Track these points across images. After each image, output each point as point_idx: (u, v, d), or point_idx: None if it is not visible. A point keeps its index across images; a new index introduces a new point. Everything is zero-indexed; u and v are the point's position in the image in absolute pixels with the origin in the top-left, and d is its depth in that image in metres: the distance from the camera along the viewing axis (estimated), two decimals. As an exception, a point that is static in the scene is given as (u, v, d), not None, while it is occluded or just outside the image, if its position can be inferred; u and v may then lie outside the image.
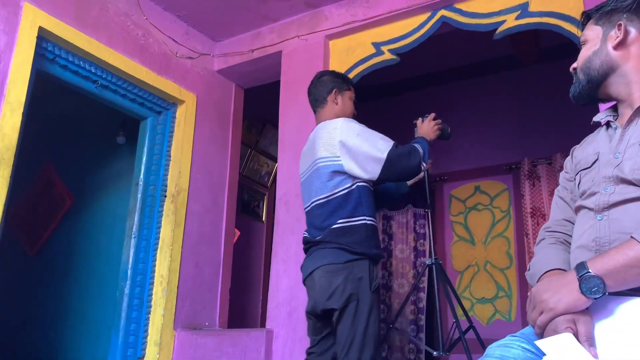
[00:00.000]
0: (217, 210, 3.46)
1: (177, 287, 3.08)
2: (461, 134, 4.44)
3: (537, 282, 1.21)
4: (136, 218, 3.08)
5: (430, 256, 2.79)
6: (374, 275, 2.11)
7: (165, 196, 3.16)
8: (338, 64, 3.31)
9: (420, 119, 2.58)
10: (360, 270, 2.07)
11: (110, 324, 2.94)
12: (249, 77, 3.76)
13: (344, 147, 2.16)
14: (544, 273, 1.22)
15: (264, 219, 4.56)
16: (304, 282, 2.25)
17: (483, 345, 2.55)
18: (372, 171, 2.14)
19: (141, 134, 3.27)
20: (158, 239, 3.08)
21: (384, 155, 2.13)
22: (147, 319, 2.96)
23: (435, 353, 2.65)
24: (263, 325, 3.17)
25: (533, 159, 4.05)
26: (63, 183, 4.04)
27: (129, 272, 2.99)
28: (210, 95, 3.57)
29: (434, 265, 2.68)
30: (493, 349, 1.13)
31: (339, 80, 2.48)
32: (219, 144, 3.58)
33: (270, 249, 3.21)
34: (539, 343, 1.05)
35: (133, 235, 3.05)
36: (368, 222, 2.16)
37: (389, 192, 2.62)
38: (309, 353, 2.27)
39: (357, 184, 2.18)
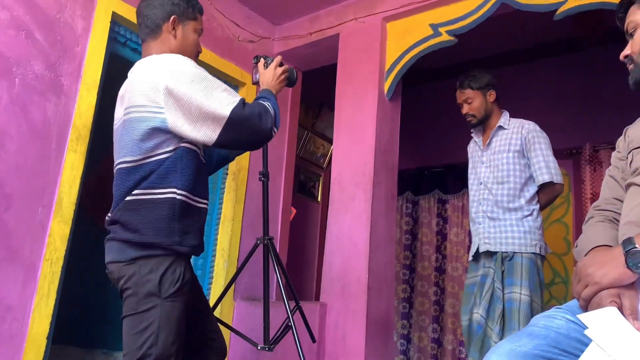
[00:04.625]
0: (275, 189, 3.60)
1: (237, 260, 3.25)
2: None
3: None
4: (199, 194, 3.26)
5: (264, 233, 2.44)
6: (175, 275, 1.58)
7: (227, 174, 3.33)
8: (395, 46, 3.34)
9: (262, 59, 2.02)
10: (150, 272, 1.55)
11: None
12: (307, 59, 3.86)
13: (171, 95, 1.57)
14: (591, 249, 1.22)
15: (319, 199, 4.67)
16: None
17: (313, 337, 2.42)
18: (208, 133, 1.60)
19: (205, 115, 3.44)
20: (220, 214, 3.25)
21: (227, 113, 1.60)
22: (209, 289, 3.14)
23: (258, 347, 2.38)
24: (317, 298, 3.29)
25: (595, 144, 3.95)
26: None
27: (192, 244, 3.17)
28: (269, 77, 3.68)
29: (265, 245, 2.38)
30: (538, 319, 1.16)
31: (183, 3, 1.81)
32: (278, 125, 3.71)
33: (324, 228, 3.32)
34: (582, 317, 1.05)
35: (197, 210, 3.23)
36: (178, 197, 1.59)
37: (220, 154, 2.11)
38: None
39: (182, 145, 1.63)
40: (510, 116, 2.82)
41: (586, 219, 1.39)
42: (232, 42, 3.46)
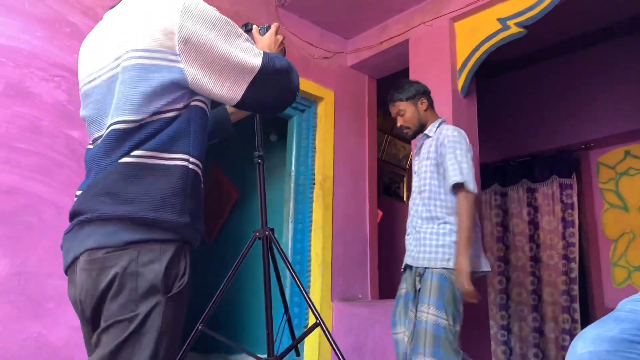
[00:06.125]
0: (360, 194, 3.78)
1: (331, 264, 3.46)
2: (605, 99, 4.26)
3: None
4: (291, 205, 3.53)
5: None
6: (180, 267, 1.20)
7: (314, 184, 3.56)
8: (465, 44, 3.40)
9: (254, 26, 1.71)
10: (153, 260, 1.15)
11: (277, 297, 3.39)
12: (379, 68, 4.01)
13: (190, 42, 1.21)
14: None
15: (405, 199, 4.80)
16: (65, 272, 1.27)
17: (297, 351, 2.04)
18: (234, 89, 1.28)
19: (289, 131, 3.71)
20: (311, 222, 3.49)
21: (257, 63, 1.29)
22: (308, 293, 3.38)
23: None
24: (410, 296, 3.41)
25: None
26: (230, 180, 4.67)
27: (289, 251, 3.44)
28: (345, 89, 3.89)
29: (265, 238, 2.00)
30: (624, 304, 1.15)
31: None
32: (357, 133, 3.90)
33: (412, 226, 3.44)
34: None
35: (290, 220, 3.50)
36: (191, 165, 1.23)
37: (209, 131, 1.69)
38: None
39: (193, 103, 1.27)
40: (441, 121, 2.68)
41: None
42: (307, 60, 3.69)
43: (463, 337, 2.95)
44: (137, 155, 1.17)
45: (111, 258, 1.13)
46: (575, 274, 4.16)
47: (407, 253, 2.60)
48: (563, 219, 4.33)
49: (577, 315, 4.08)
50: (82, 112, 1.36)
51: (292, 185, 3.56)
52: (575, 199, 4.32)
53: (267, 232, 2.03)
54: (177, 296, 1.18)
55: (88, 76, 1.34)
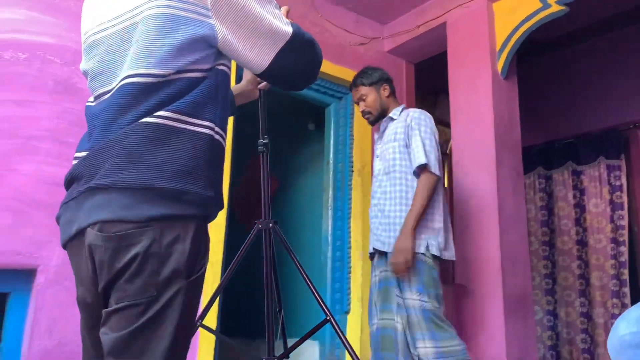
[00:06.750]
0: (400, 180, 3.77)
1: (371, 250, 3.47)
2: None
3: None
4: (330, 192, 3.55)
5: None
6: (201, 248, 1.09)
7: (352, 171, 3.57)
8: (504, 24, 3.34)
9: None
10: (176, 240, 1.03)
11: (319, 284, 3.44)
12: (417, 52, 3.97)
13: None
14: None
15: (446, 184, 4.74)
16: (64, 245, 1.17)
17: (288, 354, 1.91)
18: (262, 55, 1.20)
19: (327, 119, 3.73)
20: (350, 208, 3.50)
21: (289, 29, 1.22)
22: (349, 278, 3.40)
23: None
24: (453, 281, 3.40)
25: None
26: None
27: (329, 238, 3.47)
28: (383, 75, 3.86)
29: (268, 230, 1.91)
30: None
31: None
32: (396, 118, 3.87)
33: (451, 212, 3.42)
34: None
35: (329, 207, 3.52)
36: (216, 135, 1.13)
37: None
38: None
39: (219, 66, 1.18)
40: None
41: None
42: (343, 47, 3.69)
43: (506, 323, 2.93)
44: (162, 116, 1.05)
45: (130, 236, 1.00)
46: (624, 257, 4.04)
47: (374, 237, 2.63)
48: (611, 202, 4.20)
49: (627, 300, 3.96)
50: (85, 65, 1.24)
51: (331, 173, 3.58)
52: (624, 180, 4.18)
53: (270, 224, 1.94)
54: (198, 280, 1.08)
55: (97, 26, 1.22)
